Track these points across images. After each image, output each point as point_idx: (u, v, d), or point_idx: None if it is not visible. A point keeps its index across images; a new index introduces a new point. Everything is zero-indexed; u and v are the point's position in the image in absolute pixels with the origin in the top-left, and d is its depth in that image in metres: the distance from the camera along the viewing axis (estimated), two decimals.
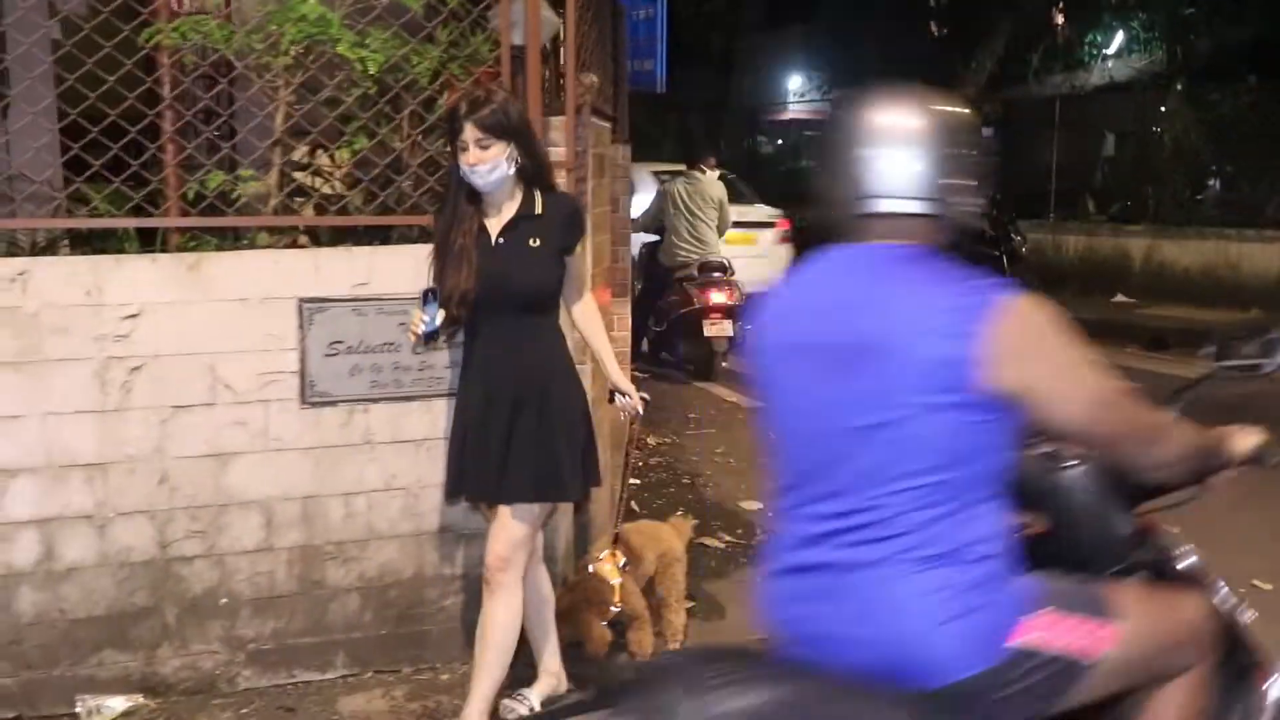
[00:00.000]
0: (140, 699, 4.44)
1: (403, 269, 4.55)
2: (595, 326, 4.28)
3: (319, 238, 4.90)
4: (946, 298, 2.30)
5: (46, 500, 4.29)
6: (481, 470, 4.02)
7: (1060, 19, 21.09)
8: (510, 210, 4.01)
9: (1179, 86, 18.45)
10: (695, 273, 11.04)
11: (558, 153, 4.91)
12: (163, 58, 4.67)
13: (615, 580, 4.80)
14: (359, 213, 4.91)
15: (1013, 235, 14.95)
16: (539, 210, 4.01)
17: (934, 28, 24.35)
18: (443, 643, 4.80)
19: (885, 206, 2.42)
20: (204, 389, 4.40)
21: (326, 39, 4.52)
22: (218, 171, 4.74)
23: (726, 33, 27.26)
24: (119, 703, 4.36)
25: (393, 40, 4.72)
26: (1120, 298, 15.95)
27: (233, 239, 4.87)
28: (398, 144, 4.94)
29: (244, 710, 4.49)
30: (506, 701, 4.29)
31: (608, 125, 6.54)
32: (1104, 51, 20.98)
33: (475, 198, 4.00)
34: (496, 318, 3.99)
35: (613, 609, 4.82)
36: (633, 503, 5.91)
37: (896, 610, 2.33)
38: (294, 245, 4.81)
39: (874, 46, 22.91)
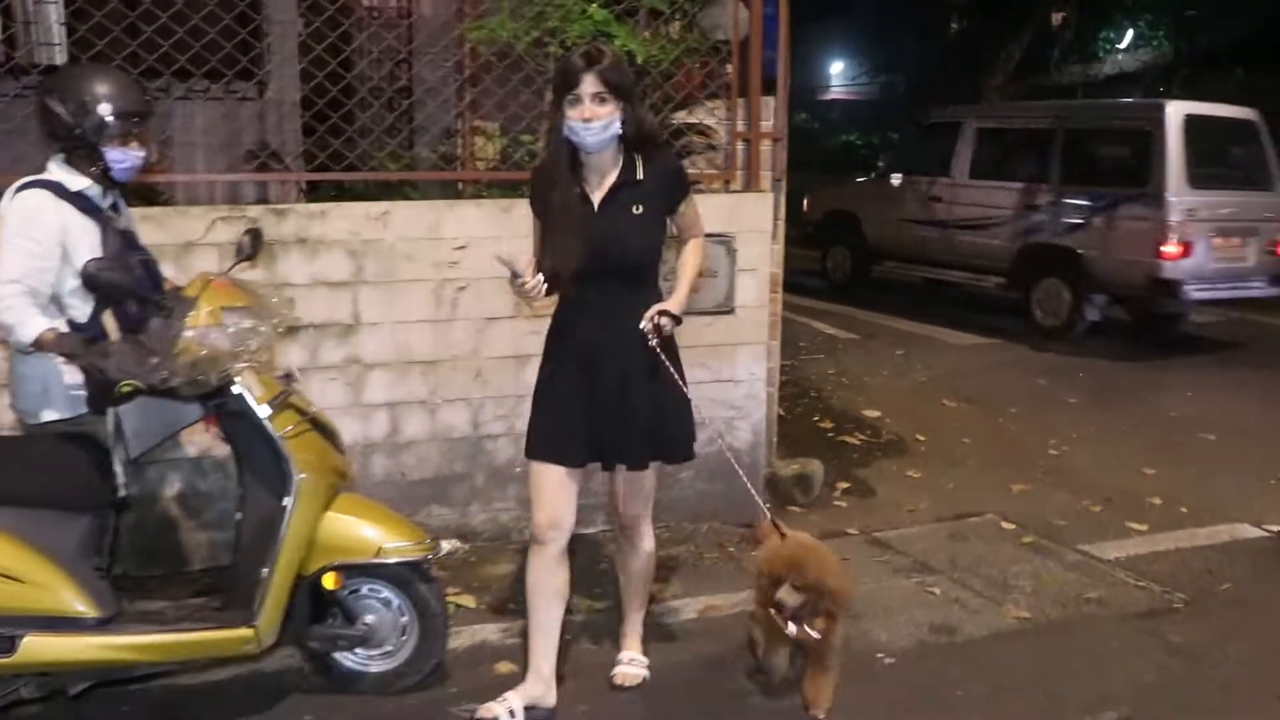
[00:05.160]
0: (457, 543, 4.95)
1: None
2: (688, 260, 3.65)
3: None
4: None
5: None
6: (608, 437, 3.54)
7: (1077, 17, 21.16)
8: (612, 176, 3.44)
9: (1182, 77, 18.61)
10: None
11: (767, 126, 5.33)
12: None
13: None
14: None
15: None
16: (640, 175, 3.44)
17: (955, 23, 24.38)
18: (674, 508, 5.25)
19: None
20: (511, 303, 4.86)
21: (608, 34, 4.90)
22: (499, 136, 5.18)
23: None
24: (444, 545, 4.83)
25: (645, 36, 5.13)
26: None
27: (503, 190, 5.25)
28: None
29: None
30: (489, 704, 3.60)
31: None
32: (1116, 46, 21.07)
33: (576, 163, 3.44)
34: (598, 287, 3.46)
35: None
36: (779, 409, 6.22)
37: None
38: None
39: (910, 37, 23.00)
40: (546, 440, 3.58)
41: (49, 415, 3.36)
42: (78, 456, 3.31)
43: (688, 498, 5.26)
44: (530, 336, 4.89)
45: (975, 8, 22.92)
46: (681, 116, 5.31)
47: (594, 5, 4.85)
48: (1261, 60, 17.69)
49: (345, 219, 4.58)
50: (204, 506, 4.57)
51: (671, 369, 3.52)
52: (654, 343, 3.44)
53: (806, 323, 11.00)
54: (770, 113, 5.40)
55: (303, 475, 3.41)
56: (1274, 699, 3.90)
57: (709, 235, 5.03)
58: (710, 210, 5.06)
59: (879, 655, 4.14)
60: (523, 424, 4.84)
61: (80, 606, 3.24)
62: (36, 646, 3.18)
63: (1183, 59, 19.11)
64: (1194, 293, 10.00)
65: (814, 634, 3.56)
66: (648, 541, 3.87)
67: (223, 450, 4.44)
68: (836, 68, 29.94)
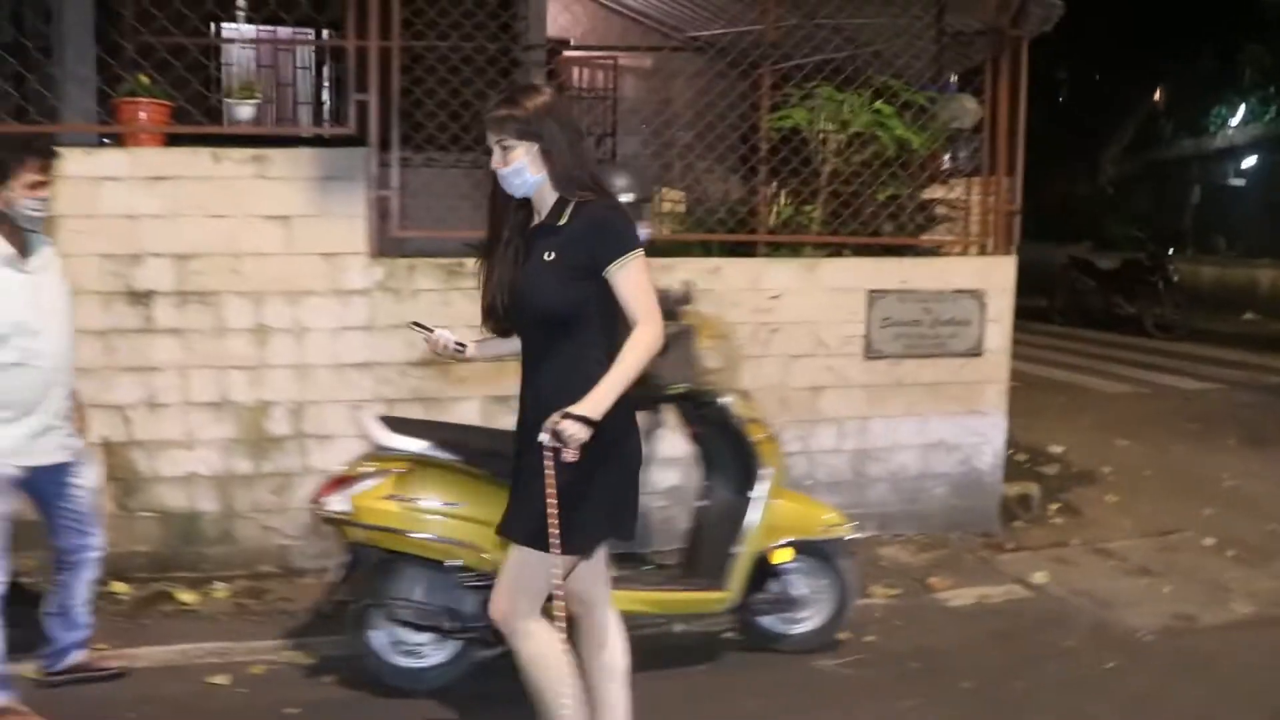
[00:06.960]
0: None
1: (926, 273, 5.82)
2: (624, 349, 2.92)
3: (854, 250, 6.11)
4: None
5: None
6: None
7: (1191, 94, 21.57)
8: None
9: None
10: None
11: (1008, 201, 6.09)
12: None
13: None
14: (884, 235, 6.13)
15: (1167, 266, 15.60)
16: (562, 221, 2.99)
17: (1061, 98, 24.89)
18: (934, 517, 6.00)
19: None
20: (811, 344, 5.67)
21: (884, 124, 5.73)
22: (788, 205, 6.03)
23: None
24: None
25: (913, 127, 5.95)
26: (1249, 315, 16.53)
27: (790, 250, 6.07)
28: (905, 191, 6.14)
29: None
30: None
31: None
32: (1228, 122, 21.45)
33: (526, 205, 3.10)
34: (523, 335, 3.12)
35: None
36: None
37: None
38: (836, 254, 6.02)
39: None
40: None
41: None
42: None
43: (941, 511, 5.99)
44: (825, 373, 5.69)
45: (1085, 88, 23.45)
46: (934, 191, 6.11)
47: (879, 102, 5.68)
48: None
49: (686, 271, 5.39)
50: None
51: (552, 477, 2.84)
52: (566, 456, 2.80)
53: None
54: (1009, 189, 6.18)
55: (770, 471, 4.17)
56: None
57: (960, 291, 5.86)
58: (963, 270, 5.93)
59: (1138, 633, 4.82)
60: (817, 444, 5.73)
61: None
62: None
63: None
64: None
65: None
66: (599, 639, 3.22)
67: None
68: None
